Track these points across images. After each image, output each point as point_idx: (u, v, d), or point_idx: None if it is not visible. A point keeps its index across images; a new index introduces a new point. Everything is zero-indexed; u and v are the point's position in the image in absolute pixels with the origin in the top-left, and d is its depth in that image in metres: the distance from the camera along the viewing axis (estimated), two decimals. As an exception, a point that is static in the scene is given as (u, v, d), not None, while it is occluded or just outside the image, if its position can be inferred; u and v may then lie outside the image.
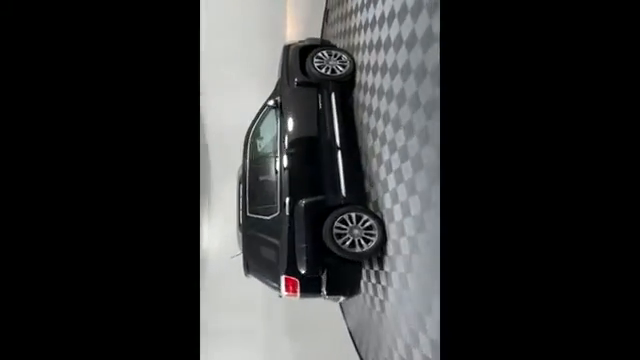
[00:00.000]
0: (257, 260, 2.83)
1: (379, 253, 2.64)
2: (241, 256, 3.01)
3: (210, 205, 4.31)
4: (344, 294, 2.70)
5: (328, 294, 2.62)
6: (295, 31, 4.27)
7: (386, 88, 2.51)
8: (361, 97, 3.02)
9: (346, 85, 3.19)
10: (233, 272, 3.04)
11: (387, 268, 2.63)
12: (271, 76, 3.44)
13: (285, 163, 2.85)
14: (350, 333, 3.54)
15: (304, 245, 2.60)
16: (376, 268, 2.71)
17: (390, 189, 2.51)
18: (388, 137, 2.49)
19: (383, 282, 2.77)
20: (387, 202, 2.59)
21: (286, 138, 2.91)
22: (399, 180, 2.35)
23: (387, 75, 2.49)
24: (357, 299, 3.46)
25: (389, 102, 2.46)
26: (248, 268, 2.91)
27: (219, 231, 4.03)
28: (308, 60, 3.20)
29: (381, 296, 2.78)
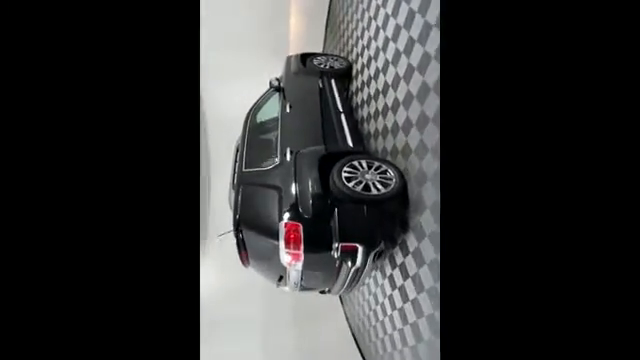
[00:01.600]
0: (252, 214, 2.25)
1: (400, 204, 2.18)
2: (234, 242, 2.43)
3: (209, 197, 3.87)
4: (363, 242, 2.02)
5: (342, 240, 1.97)
6: (299, 20, 4.66)
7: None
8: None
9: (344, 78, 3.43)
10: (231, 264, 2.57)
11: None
12: (274, 67, 3.70)
13: (287, 121, 2.71)
14: (352, 332, 3.25)
15: (309, 186, 2.16)
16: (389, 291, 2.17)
17: (401, 125, 2.32)
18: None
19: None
20: (399, 143, 2.35)
21: (288, 105, 2.87)
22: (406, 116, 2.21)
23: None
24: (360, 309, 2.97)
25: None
26: (244, 245, 2.28)
27: (217, 226, 3.49)
28: (308, 61, 3.54)
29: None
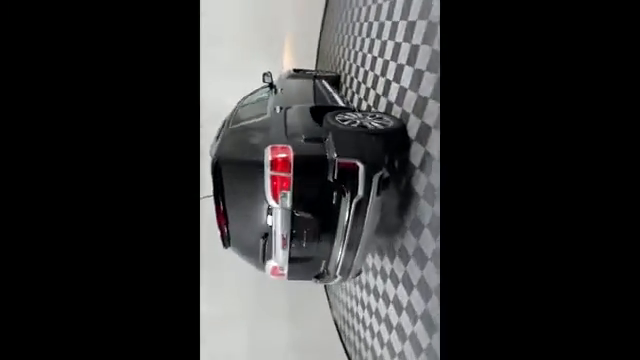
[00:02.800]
0: (233, 151, 1.91)
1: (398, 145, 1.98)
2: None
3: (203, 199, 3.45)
4: (363, 160, 1.64)
5: (340, 156, 1.62)
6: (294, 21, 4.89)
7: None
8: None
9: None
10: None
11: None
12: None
13: (278, 96, 2.66)
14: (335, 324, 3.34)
15: (299, 123, 1.95)
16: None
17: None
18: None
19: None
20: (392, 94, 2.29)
21: (280, 89, 2.90)
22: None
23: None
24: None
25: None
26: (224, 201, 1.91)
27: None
28: (301, 72, 3.80)
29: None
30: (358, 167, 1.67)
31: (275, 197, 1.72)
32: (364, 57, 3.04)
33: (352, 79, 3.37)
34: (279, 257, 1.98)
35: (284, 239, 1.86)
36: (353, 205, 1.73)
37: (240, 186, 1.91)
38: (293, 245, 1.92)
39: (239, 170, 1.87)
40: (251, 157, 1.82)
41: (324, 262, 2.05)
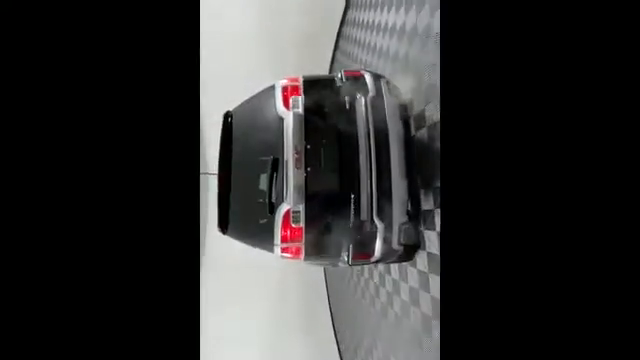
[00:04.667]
0: (247, 103, 1.88)
1: None
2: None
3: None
4: (367, 70, 1.52)
5: (345, 69, 1.56)
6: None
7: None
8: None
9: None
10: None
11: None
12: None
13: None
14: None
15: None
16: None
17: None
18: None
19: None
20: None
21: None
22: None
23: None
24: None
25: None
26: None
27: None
28: None
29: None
30: (364, 74, 1.76)
31: (286, 103, 1.62)
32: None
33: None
34: (292, 189, 1.49)
35: (298, 154, 1.51)
36: (369, 101, 1.62)
37: (250, 139, 1.79)
38: (309, 169, 1.52)
39: (250, 118, 1.84)
40: (262, 98, 1.87)
41: (353, 198, 1.52)
